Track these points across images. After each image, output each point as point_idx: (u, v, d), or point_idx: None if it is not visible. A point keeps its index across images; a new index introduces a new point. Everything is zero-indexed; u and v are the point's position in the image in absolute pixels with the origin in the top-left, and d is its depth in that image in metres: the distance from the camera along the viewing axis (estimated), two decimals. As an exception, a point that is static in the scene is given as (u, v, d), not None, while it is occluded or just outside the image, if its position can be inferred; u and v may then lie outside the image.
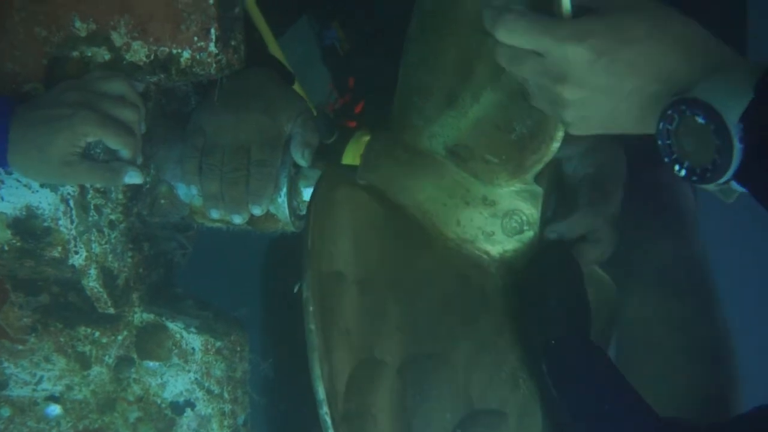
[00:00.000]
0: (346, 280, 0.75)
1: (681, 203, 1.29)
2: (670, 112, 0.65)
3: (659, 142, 0.66)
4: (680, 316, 1.16)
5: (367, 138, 0.96)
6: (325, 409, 0.66)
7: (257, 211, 0.93)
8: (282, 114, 0.94)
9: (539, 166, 0.81)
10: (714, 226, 1.25)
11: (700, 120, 0.63)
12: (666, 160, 0.66)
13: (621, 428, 0.76)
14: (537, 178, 0.84)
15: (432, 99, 0.83)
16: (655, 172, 1.16)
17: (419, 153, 0.85)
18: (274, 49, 1.16)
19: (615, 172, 0.94)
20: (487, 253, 0.86)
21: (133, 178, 0.87)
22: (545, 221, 0.88)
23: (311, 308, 0.69)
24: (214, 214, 0.94)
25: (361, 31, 1.23)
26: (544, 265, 0.86)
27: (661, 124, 0.66)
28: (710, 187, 0.67)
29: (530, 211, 0.85)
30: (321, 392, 0.67)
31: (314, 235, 0.74)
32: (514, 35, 0.69)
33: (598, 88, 0.68)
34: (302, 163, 0.94)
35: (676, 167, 0.66)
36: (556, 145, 0.78)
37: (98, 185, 0.91)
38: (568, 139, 0.83)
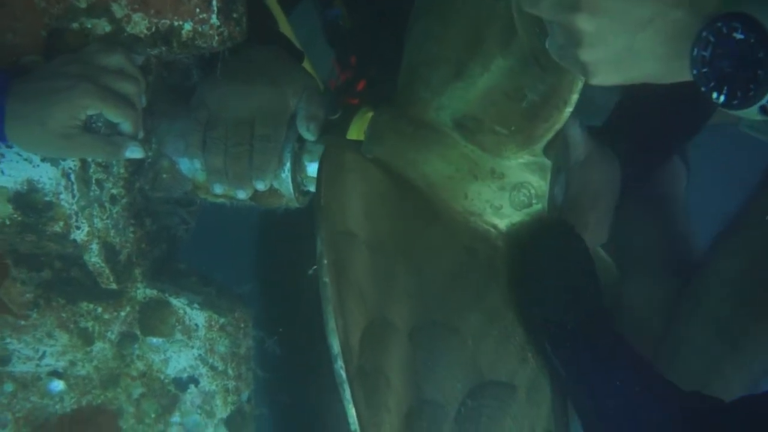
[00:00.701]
0: (358, 240, 0.74)
1: (677, 193, 1.28)
2: (704, 33, 0.60)
3: (694, 72, 0.61)
4: (661, 297, 1.16)
5: (370, 114, 0.95)
6: (339, 363, 0.65)
7: (261, 186, 0.92)
8: (288, 89, 0.93)
9: (549, 135, 0.80)
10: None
11: (739, 35, 0.58)
12: (703, 89, 0.62)
13: (640, 403, 0.76)
14: (546, 151, 0.83)
15: (439, 70, 0.82)
16: (660, 162, 1.14)
17: (426, 126, 0.84)
18: (284, 27, 1.15)
19: (599, 195, 0.93)
20: (494, 226, 0.85)
21: (134, 152, 0.86)
22: (553, 198, 0.88)
23: (325, 261, 0.68)
24: (218, 188, 0.93)
25: (364, 8, 1.21)
26: (545, 242, 0.85)
27: (695, 51, 0.61)
28: (754, 114, 0.61)
29: (539, 184, 0.84)
30: (336, 346, 0.66)
31: (327, 192, 0.73)
32: None
33: (613, 13, 0.63)
34: (308, 136, 0.93)
35: (714, 95, 0.61)
36: (568, 110, 0.77)
37: (99, 159, 0.90)
38: (567, 145, 0.83)
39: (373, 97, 1.20)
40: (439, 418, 0.73)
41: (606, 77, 0.67)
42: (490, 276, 0.84)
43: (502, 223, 0.85)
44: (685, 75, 0.65)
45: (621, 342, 0.81)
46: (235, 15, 0.90)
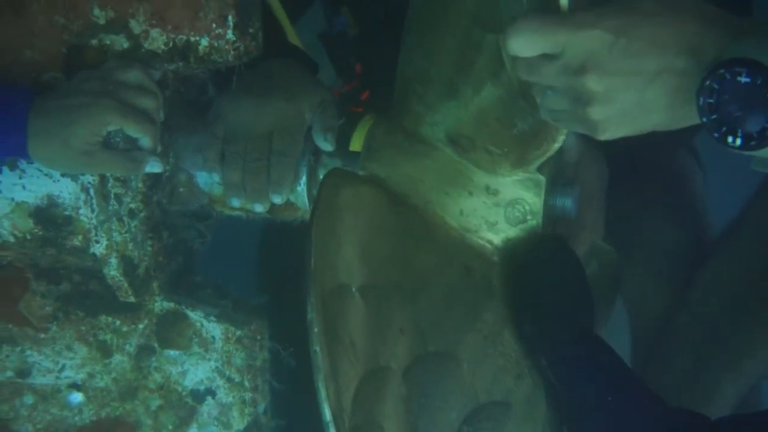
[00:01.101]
0: (350, 291, 0.75)
1: (689, 188, 1.28)
2: (708, 82, 0.61)
3: (704, 120, 0.62)
4: (666, 303, 1.16)
5: (372, 123, 0.95)
6: (331, 431, 0.66)
7: (278, 200, 0.92)
8: (304, 102, 0.94)
9: (542, 160, 0.80)
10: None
11: (744, 79, 0.59)
12: (716, 135, 0.62)
13: (628, 417, 0.75)
14: (540, 167, 0.83)
15: (433, 87, 0.82)
16: (665, 157, 1.14)
17: (421, 140, 0.84)
18: (293, 38, 1.16)
19: (593, 195, 0.93)
20: (490, 242, 0.85)
21: (154, 167, 0.86)
22: (555, 211, 0.87)
23: (315, 330, 0.69)
24: (235, 202, 0.94)
25: (370, 17, 1.22)
26: (538, 258, 0.85)
27: (701, 100, 0.62)
28: None
29: (533, 200, 0.84)
30: (327, 414, 0.66)
31: (316, 254, 0.74)
32: (526, 39, 0.66)
33: (621, 72, 0.64)
34: (326, 147, 0.93)
35: (730, 139, 0.61)
36: (557, 145, 0.77)
37: (119, 175, 0.91)
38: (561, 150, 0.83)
39: (377, 104, 1.20)
40: None
41: (615, 132, 0.68)
42: (486, 293, 0.84)
43: (498, 239, 0.85)
44: (691, 120, 0.66)
45: (613, 356, 0.81)
46: (251, 30, 0.91)
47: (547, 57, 0.66)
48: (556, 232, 0.89)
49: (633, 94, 0.65)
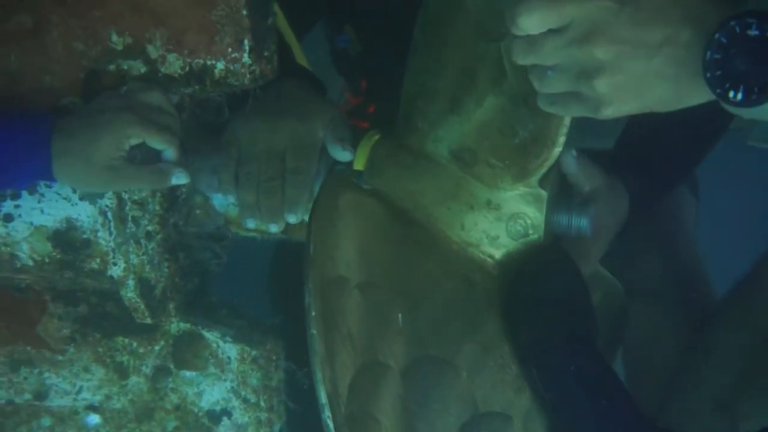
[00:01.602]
0: (349, 285, 0.75)
1: (682, 221, 1.27)
2: (717, 36, 0.61)
3: (708, 75, 0.62)
4: (667, 330, 1.15)
5: (377, 138, 0.97)
6: (327, 413, 0.67)
7: (292, 219, 0.93)
8: (316, 121, 0.95)
9: (542, 170, 0.81)
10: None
11: (753, 32, 0.59)
12: (718, 91, 0.62)
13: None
14: (541, 182, 0.83)
15: (436, 104, 0.83)
16: (648, 183, 1.13)
17: (424, 157, 0.85)
18: (300, 58, 1.17)
19: (604, 228, 0.93)
20: (491, 256, 0.86)
21: (180, 178, 0.87)
22: (559, 227, 0.88)
23: (313, 314, 0.70)
24: (250, 223, 0.95)
25: (373, 34, 1.23)
26: (535, 269, 0.85)
27: (708, 54, 0.62)
28: None
29: (535, 215, 0.84)
30: (323, 396, 0.67)
31: (316, 242, 0.75)
32: (539, 13, 0.66)
33: (628, 41, 0.64)
34: (345, 157, 0.93)
35: (731, 94, 0.61)
36: (557, 150, 0.78)
37: (145, 189, 0.92)
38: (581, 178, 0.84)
39: (382, 120, 1.21)
40: None
41: (618, 108, 0.68)
42: (487, 306, 0.84)
43: (499, 253, 0.86)
44: (693, 99, 0.66)
45: (607, 372, 0.80)
46: (266, 53, 0.92)
47: (551, 32, 0.66)
48: (559, 245, 0.89)
49: (639, 63, 0.65)
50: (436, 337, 0.79)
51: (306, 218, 0.96)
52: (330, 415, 0.66)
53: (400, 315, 0.77)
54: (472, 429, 0.76)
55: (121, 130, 0.81)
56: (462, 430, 0.76)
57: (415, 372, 0.75)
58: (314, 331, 0.69)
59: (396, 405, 0.73)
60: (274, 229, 0.94)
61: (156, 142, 0.84)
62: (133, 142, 0.83)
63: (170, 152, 0.86)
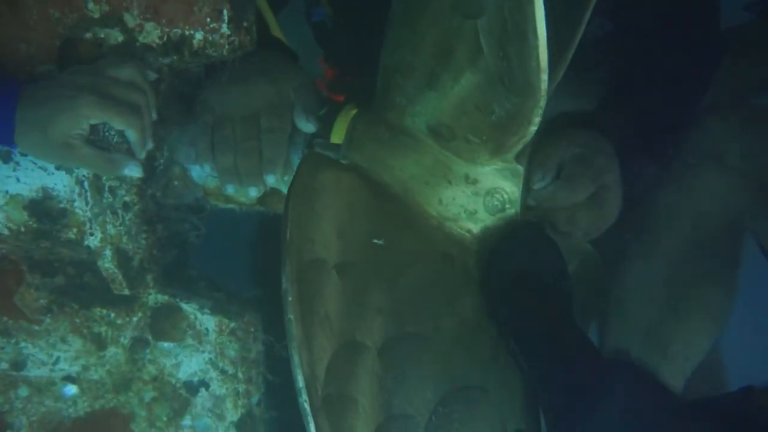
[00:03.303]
0: (327, 266, 0.75)
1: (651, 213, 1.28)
2: None
3: None
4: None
5: (354, 112, 0.97)
6: (303, 397, 0.67)
7: (271, 179, 0.93)
8: (286, 85, 0.96)
9: (519, 147, 0.81)
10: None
11: None
12: None
13: (600, 396, 0.77)
14: (518, 157, 0.84)
15: (414, 79, 0.83)
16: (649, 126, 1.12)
17: (402, 132, 0.85)
18: (276, 31, 1.17)
19: (604, 149, 0.93)
20: (469, 231, 0.86)
21: (134, 171, 0.86)
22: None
23: (290, 299, 0.70)
24: (231, 189, 0.95)
25: (349, 7, 1.22)
26: (513, 241, 0.86)
27: None
28: None
29: (512, 189, 0.85)
30: (300, 380, 0.67)
31: (292, 225, 0.74)
32: None
33: None
34: (308, 129, 0.95)
35: None
36: (533, 128, 0.78)
37: (97, 173, 0.91)
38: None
39: (358, 94, 1.21)
40: (408, 430, 0.75)
41: None
42: (465, 280, 0.85)
43: (477, 228, 0.86)
44: None
45: (584, 341, 0.82)
46: (245, 24, 0.91)
47: None
48: (536, 219, 0.90)
49: None
50: (414, 314, 0.79)
51: (284, 182, 0.96)
52: (307, 399, 0.67)
53: (377, 294, 0.78)
54: (449, 403, 0.77)
55: (80, 110, 0.80)
56: (440, 404, 0.77)
57: (393, 349, 0.76)
58: (291, 317, 0.69)
59: (373, 383, 0.73)
60: (254, 192, 0.94)
61: (116, 123, 0.83)
62: (92, 122, 0.82)
63: (130, 133, 0.85)
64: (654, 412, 0.77)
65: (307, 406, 0.66)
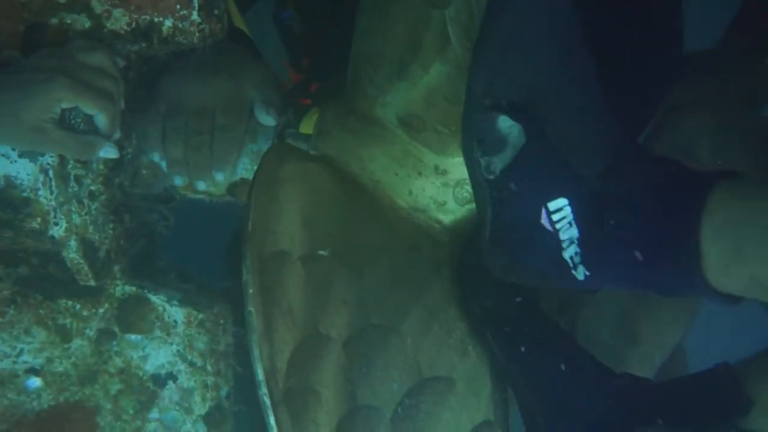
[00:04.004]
0: (290, 258, 0.74)
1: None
2: None
3: None
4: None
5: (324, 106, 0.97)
6: (263, 390, 0.66)
7: (220, 177, 0.92)
8: (247, 80, 0.94)
9: None
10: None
11: None
12: None
13: (577, 385, 0.77)
14: None
15: (384, 69, 0.83)
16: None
17: (372, 122, 0.85)
18: (239, 22, 1.15)
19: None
20: (439, 222, 0.86)
21: (109, 152, 0.85)
22: None
23: (251, 291, 0.69)
24: (178, 180, 0.93)
25: (317, 11, 1.22)
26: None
27: None
28: None
29: None
30: (260, 373, 0.66)
31: (255, 217, 0.74)
32: None
33: None
34: (268, 122, 0.94)
35: None
36: None
37: (71, 157, 0.89)
38: None
39: (325, 98, 1.20)
40: (373, 422, 0.74)
41: None
42: (433, 271, 0.85)
43: (446, 219, 0.86)
44: None
45: (556, 329, 0.83)
46: (216, 12, 0.90)
47: None
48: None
49: None
50: (381, 305, 0.79)
51: (236, 177, 0.95)
52: (266, 392, 0.66)
53: (343, 286, 0.77)
54: (416, 394, 0.77)
55: (53, 93, 0.79)
56: (406, 396, 0.77)
57: (358, 341, 0.76)
58: (252, 309, 0.68)
59: (338, 375, 0.73)
60: (201, 186, 0.94)
61: (88, 107, 0.81)
62: (65, 105, 0.80)
63: (101, 118, 0.83)
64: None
65: (266, 399, 0.66)
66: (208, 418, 1.07)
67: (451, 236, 0.87)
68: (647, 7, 0.92)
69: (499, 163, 0.71)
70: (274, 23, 1.28)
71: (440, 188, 0.85)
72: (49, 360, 1.03)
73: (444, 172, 0.84)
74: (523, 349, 0.81)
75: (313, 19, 1.22)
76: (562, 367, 0.79)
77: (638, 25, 0.91)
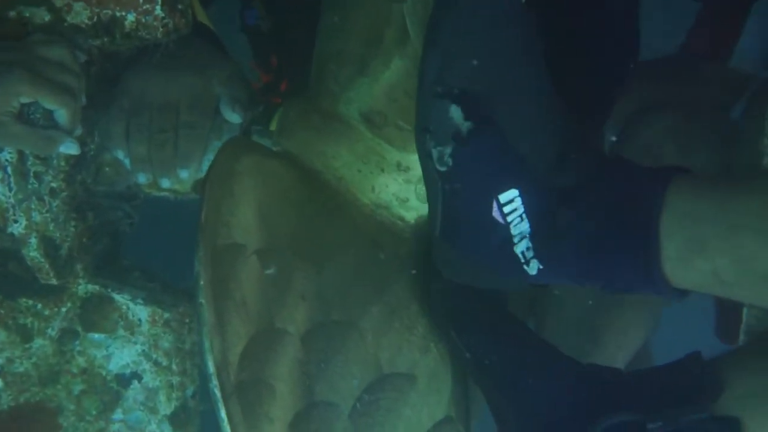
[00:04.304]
0: (246, 251, 0.74)
1: None
2: None
3: None
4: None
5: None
6: (214, 383, 0.65)
7: (185, 174, 0.91)
8: (213, 77, 0.93)
9: None
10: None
11: None
12: None
13: (545, 377, 0.78)
14: None
15: (346, 65, 0.83)
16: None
17: (335, 118, 0.85)
18: (202, 16, 1.14)
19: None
20: (401, 218, 0.87)
21: (70, 148, 0.83)
22: None
23: (201, 282, 0.68)
24: (142, 178, 0.92)
25: (283, 10, 1.21)
26: None
27: None
28: None
29: None
30: (210, 366, 0.66)
31: (209, 208, 0.73)
32: None
33: None
34: (234, 119, 0.93)
35: None
36: None
37: (31, 152, 0.88)
38: None
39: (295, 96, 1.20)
40: (330, 418, 0.74)
41: None
42: (395, 268, 0.85)
43: (409, 215, 0.87)
44: None
45: (521, 325, 0.83)
46: (180, 6, 0.89)
47: None
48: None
49: None
50: (341, 301, 0.79)
51: (201, 174, 0.94)
52: (217, 384, 0.65)
53: (301, 281, 0.77)
54: (376, 389, 0.77)
55: (11, 87, 0.77)
56: (365, 392, 0.76)
57: (317, 336, 0.75)
58: (202, 300, 0.67)
59: (294, 370, 0.72)
60: (165, 184, 0.92)
61: (48, 102, 0.80)
62: (24, 100, 0.79)
63: (61, 114, 0.81)
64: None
65: (217, 391, 0.65)
66: (173, 418, 1.06)
67: (414, 233, 0.87)
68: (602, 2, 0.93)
69: (451, 154, 0.71)
70: (239, 22, 1.27)
71: (402, 185, 0.85)
72: (9, 360, 1.02)
73: (406, 169, 0.85)
74: (487, 346, 0.81)
75: (280, 16, 1.21)
76: (528, 360, 0.79)
77: (592, 18, 0.92)
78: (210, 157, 0.94)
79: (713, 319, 1.15)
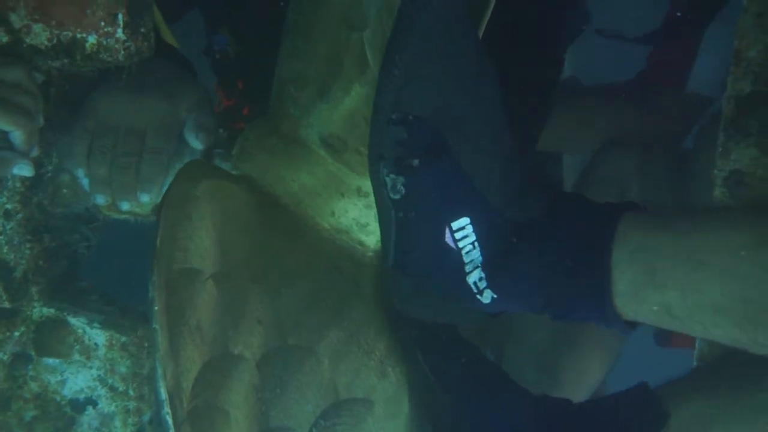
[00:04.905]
0: (201, 276, 0.73)
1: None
2: None
3: None
4: None
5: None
6: (165, 410, 0.64)
7: (145, 198, 0.90)
8: (181, 103, 0.93)
9: None
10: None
11: None
12: None
13: (498, 407, 0.79)
14: None
15: (306, 90, 0.83)
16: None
17: (295, 143, 0.85)
18: (168, 37, 1.14)
19: None
20: (361, 243, 0.87)
21: (23, 170, 0.82)
22: None
23: (156, 308, 0.68)
24: (100, 199, 0.91)
25: (251, 36, 1.22)
26: None
27: None
28: None
29: None
30: (162, 392, 0.65)
31: (165, 233, 0.72)
32: None
33: None
34: (196, 145, 0.92)
35: None
36: None
37: None
38: None
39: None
40: None
41: None
42: (354, 293, 0.85)
43: (369, 240, 0.87)
44: None
45: (479, 354, 0.84)
46: (142, 29, 0.89)
47: None
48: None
49: None
50: (298, 326, 0.78)
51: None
52: (169, 411, 0.64)
53: (258, 306, 0.76)
54: (331, 416, 0.77)
55: None
56: (321, 418, 0.76)
57: (273, 361, 0.75)
58: (156, 326, 0.67)
59: (249, 395, 0.71)
60: (125, 206, 0.91)
61: (3, 124, 0.79)
62: None
63: (16, 135, 0.80)
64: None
65: (168, 419, 0.64)
66: (129, 445, 1.04)
67: (374, 258, 0.87)
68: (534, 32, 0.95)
69: (404, 183, 0.71)
70: (203, 45, 1.27)
71: (363, 210, 0.85)
72: (-41, 385, 0.99)
73: (366, 194, 0.85)
74: (451, 370, 0.82)
75: (248, 41, 1.21)
76: (485, 391, 0.80)
77: (525, 45, 0.95)
78: (171, 180, 0.93)
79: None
